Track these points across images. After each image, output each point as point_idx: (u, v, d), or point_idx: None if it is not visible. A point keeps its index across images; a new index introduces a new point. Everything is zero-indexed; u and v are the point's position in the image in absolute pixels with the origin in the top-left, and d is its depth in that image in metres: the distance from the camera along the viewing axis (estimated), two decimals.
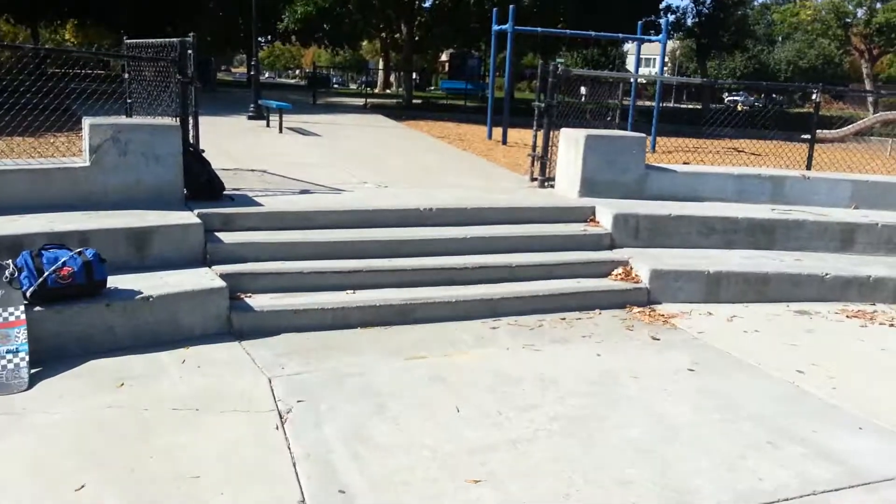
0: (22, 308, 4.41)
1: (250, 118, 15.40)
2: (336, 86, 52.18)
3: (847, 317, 6.20)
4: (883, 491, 3.50)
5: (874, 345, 5.58)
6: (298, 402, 4.09)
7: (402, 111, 22.01)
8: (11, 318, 4.37)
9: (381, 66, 48.50)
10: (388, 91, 41.63)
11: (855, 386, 4.73)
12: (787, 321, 6.03)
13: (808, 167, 9.02)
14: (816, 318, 6.14)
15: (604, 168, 7.71)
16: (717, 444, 3.87)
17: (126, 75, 8.20)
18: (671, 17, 30.78)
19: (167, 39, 7.04)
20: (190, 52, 6.68)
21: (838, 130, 15.63)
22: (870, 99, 27.69)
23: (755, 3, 48.58)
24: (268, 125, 14.14)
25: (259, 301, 5.27)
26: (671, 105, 38.28)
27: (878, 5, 32.58)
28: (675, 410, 4.24)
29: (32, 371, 4.24)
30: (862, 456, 3.81)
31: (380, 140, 13.19)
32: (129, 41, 8.35)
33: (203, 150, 6.98)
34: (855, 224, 7.41)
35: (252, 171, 8.29)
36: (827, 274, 6.60)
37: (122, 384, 4.20)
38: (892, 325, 6.05)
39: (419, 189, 7.75)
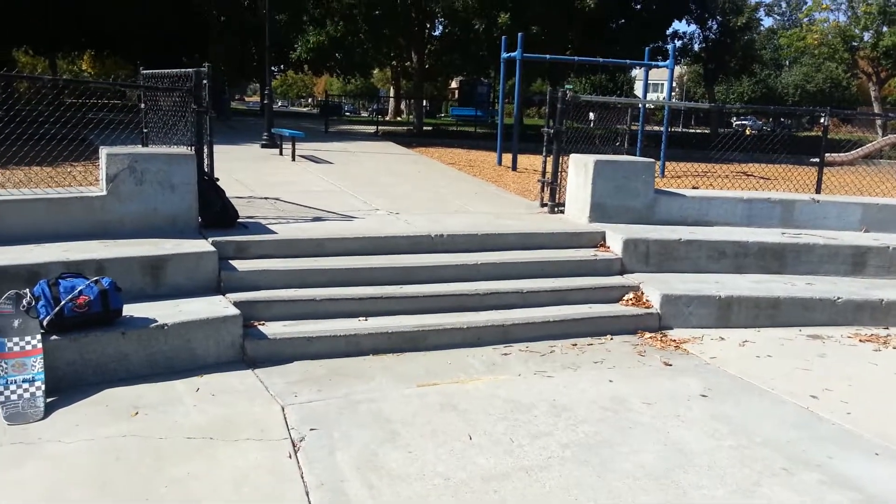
0: (38, 337, 4.46)
1: (263, 146, 15.57)
2: (348, 114, 52.68)
3: (860, 340, 6.17)
4: None
5: (888, 368, 5.54)
6: (311, 430, 4.10)
7: (412, 138, 22.19)
8: (28, 347, 4.42)
9: (391, 93, 49.01)
10: (398, 118, 42.00)
11: (870, 410, 4.70)
12: (799, 345, 6.00)
13: (818, 191, 9.02)
14: (829, 342, 6.11)
15: (613, 193, 7.75)
16: (732, 470, 3.85)
17: (142, 105, 8.34)
18: (678, 43, 30.97)
19: (183, 70, 7.17)
20: (205, 81, 6.80)
21: (847, 154, 15.63)
22: (878, 122, 27.66)
23: (762, 28, 48.82)
24: (281, 153, 14.29)
25: (272, 329, 5.31)
26: (680, 130, 38.40)
27: (885, 29, 32.64)
28: (689, 437, 4.22)
29: (48, 400, 4.28)
30: (879, 482, 3.78)
31: (391, 167, 13.29)
32: (145, 71, 8.51)
33: (217, 179, 7.07)
34: (866, 247, 7.40)
35: (265, 198, 8.37)
36: (839, 298, 6.57)
37: (137, 413, 4.23)
38: None
39: (430, 215, 7.81)
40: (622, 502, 3.49)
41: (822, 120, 9.74)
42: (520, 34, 14.36)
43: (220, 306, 5.24)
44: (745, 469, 3.87)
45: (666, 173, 14.16)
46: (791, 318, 6.45)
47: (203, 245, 5.83)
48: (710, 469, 3.85)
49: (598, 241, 7.26)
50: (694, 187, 9.84)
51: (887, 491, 3.69)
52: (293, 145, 13.48)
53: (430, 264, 6.30)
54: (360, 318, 5.61)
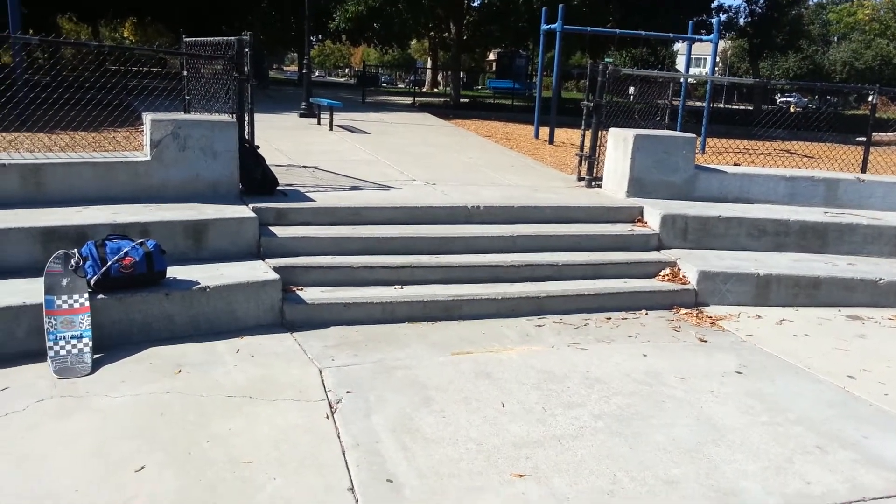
0: (86, 295, 4.61)
1: (301, 115, 15.67)
2: (384, 84, 52.61)
3: None
4: None
5: None
6: (348, 392, 4.20)
7: (449, 110, 22.11)
8: (76, 305, 4.57)
9: (429, 65, 48.72)
10: (435, 90, 41.82)
11: None
12: (838, 326, 5.93)
13: (864, 170, 8.82)
14: (869, 323, 6.02)
15: (652, 168, 7.67)
16: (765, 446, 3.85)
17: (185, 73, 8.45)
18: (723, 17, 30.22)
19: (225, 38, 7.24)
20: (247, 49, 6.86)
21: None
22: None
23: (810, 3, 47.38)
24: (318, 122, 14.37)
25: (310, 294, 5.40)
26: (722, 106, 37.58)
27: None
28: (722, 412, 4.23)
29: (95, 356, 4.44)
30: None
31: (427, 138, 13.29)
32: (187, 39, 8.60)
33: (258, 147, 7.16)
34: None
35: (304, 167, 8.46)
36: (881, 279, 6.46)
37: (180, 371, 4.36)
38: None
39: (466, 187, 7.82)
40: (653, 473, 3.52)
41: (870, 98, 9.48)
42: (560, 6, 14.15)
43: (259, 271, 5.35)
44: (778, 446, 3.86)
45: (707, 149, 13.93)
46: (831, 298, 6.37)
47: (244, 211, 5.93)
48: (742, 444, 3.85)
49: (635, 216, 7.21)
50: (735, 164, 9.68)
51: None
52: (331, 115, 13.54)
53: (466, 235, 6.33)
54: (396, 287, 5.68)
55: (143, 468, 3.32)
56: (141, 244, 4.84)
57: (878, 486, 3.52)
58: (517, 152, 12.22)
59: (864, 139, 9.26)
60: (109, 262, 4.68)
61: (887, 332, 5.87)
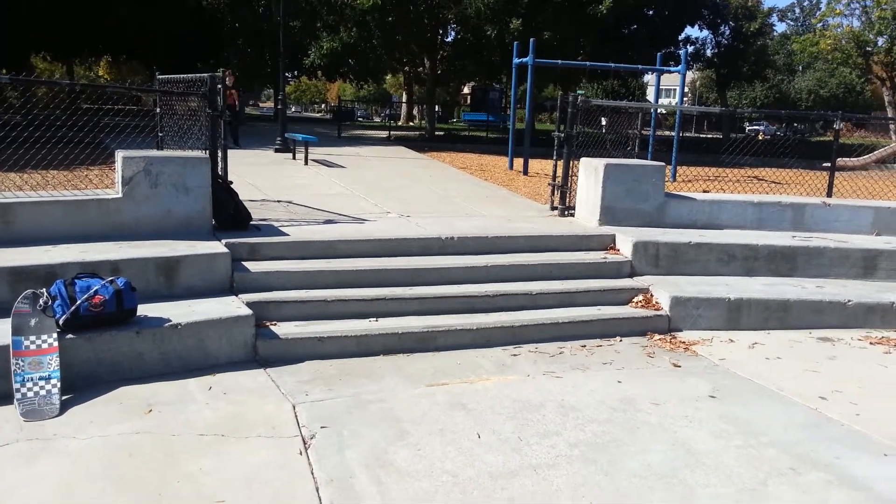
0: (55, 335, 4.54)
1: (277, 151, 15.69)
2: (360, 119, 52.89)
3: (870, 343, 6.15)
4: None
5: None
6: (322, 427, 4.16)
7: (424, 143, 22.26)
8: (44, 346, 4.50)
9: (404, 99, 49.16)
10: (411, 123, 42.13)
11: (879, 412, 4.70)
12: (809, 348, 6.00)
13: (829, 194, 9.00)
14: (839, 344, 6.11)
15: (623, 196, 7.78)
16: (739, 470, 3.87)
17: (158, 109, 8.45)
18: (691, 48, 30.89)
19: (198, 75, 7.27)
20: (219, 86, 6.89)
21: (860, 158, 15.56)
22: (892, 126, 27.48)
23: (774, 34, 48.63)
24: (294, 157, 14.40)
25: (284, 329, 5.37)
26: (692, 135, 38.29)
27: None
28: (697, 437, 4.24)
29: (64, 397, 4.36)
30: (887, 482, 3.78)
31: (403, 171, 13.36)
32: (161, 76, 8.62)
33: (231, 182, 7.15)
34: (877, 251, 7.38)
35: (278, 201, 8.46)
36: (849, 301, 6.56)
37: (151, 410, 4.30)
38: None
39: (441, 218, 7.86)
40: (629, 500, 3.52)
41: (835, 125, 9.73)
42: (532, 39, 14.41)
43: (232, 306, 5.31)
44: (752, 469, 3.88)
45: (678, 177, 14.15)
46: (801, 320, 6.45)
47: (216, 247, 5.91)
48: (717, 468, 3.87)
49: (608, 243, 7.28)
50: (704, 191, 9.84)
51: (892, 490, 3.69)
52: (306, 149, 13.58)
53: (441, 266, 6.35)
54: (371, 319, 5.67)
55: None
56: (111, 282, 4.80)
57: None
58: (491, 183, 12.32)
59: (829, 164, 9.47)
60: (79, 302, 4.63)
61: (857, 352, 5.95)
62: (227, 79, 11.26)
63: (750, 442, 4.20)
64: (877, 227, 8.14)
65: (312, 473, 3.65)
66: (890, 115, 32.32)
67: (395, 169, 13.67)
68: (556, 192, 8.88)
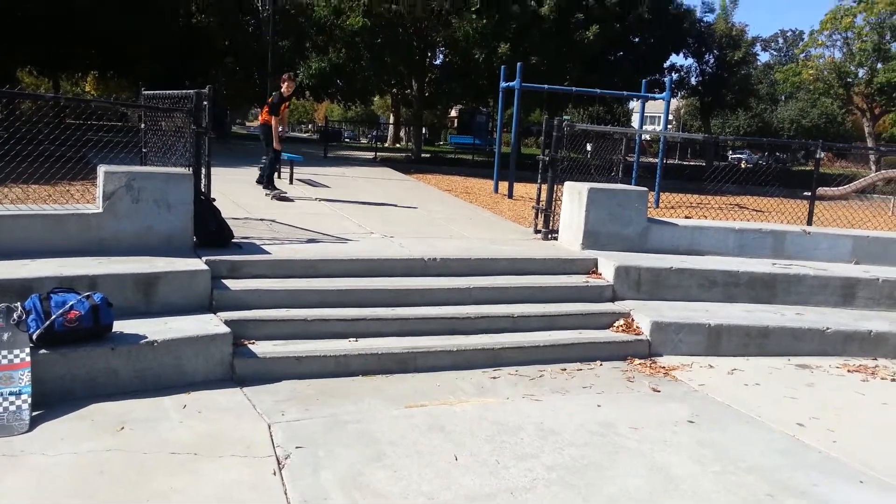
0: (27, 350, 4.47)
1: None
2: (347, 140, 53.04)
3: (848, 371, 6.19)
4: None
5: (875, 399, 5.56)
6: (297, 448, 4.11)
7: (410, 164, 22.33)
8: (17, 361, 4.43)
9: (391, 120, 49.38)
10: (398, 145, 42.30)
11: (856, 439, 4.71)
12: (787, 375, 6.03)
13: (809, 223, 9.11)
14: (817, 372, 6.14)
15: (606, 221, 7.82)
16: (717, 496, 3.86)
17: (142, 125, 8.43)
18: (675, 76, 31.32)
19: (184, 91, 7.27)
20: (205, 103, 6.88)
21: (840, 188, 15.76)
22: (872, 157, 27.95)
23: (758, 63, 49.43)
24: (279, 177, 14.34)
25: (262, 348, 5.32)
26: (675, 162, 38.70)
27: (879, 66, 33.11)
28: (675, 462, 4.23)
29: (35, 413, 4.28)
30: None
31: (388, 192, 13.37)
32: (146, 92, 8.61)
33: (214, 199, 7.13)
34: (856, 279, 7.45)
35: (261, 220, 8.42)
36: (828, 328, 6.61)
37: (123, 427, 4.23)
38: (893, 380, 6.03)
39: (424, 240, 7.85)
40: None
41: (817, 154, 9.87)
42: (519, 64, 14.54)
43: (210, 324, 5.26)
44: (730, 495, 3.87)
45: (661, 203, 14.24)
46: (780, 347, 6.48)
47: (196, 264, 5.86)
48: (694, 494, 3.85)
49: (590, 267, 7.30)
50: (687, 217, 9.92)
51: None
52: (291, 169, 13.56)
53: (423, 287, 6.34)
54: (351, 339, 5.63)
55: None
56: (87, 297, 4.74)
57: None
58: (476, 206, 12.36)
59: (809, 193, 9.59)
60: (53, 316, 4.56)
61: (835, 380, 5.98)
62: (284, 86, 10.87)
63: (728, 468, 4.19)
64: (856, 256, 8.23)
65: (286, 494, 3.60)
66: (870, 145, 32.85)
67: (381, 190, 13.69)
68: (539, 215, 8.91)
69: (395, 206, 11.23)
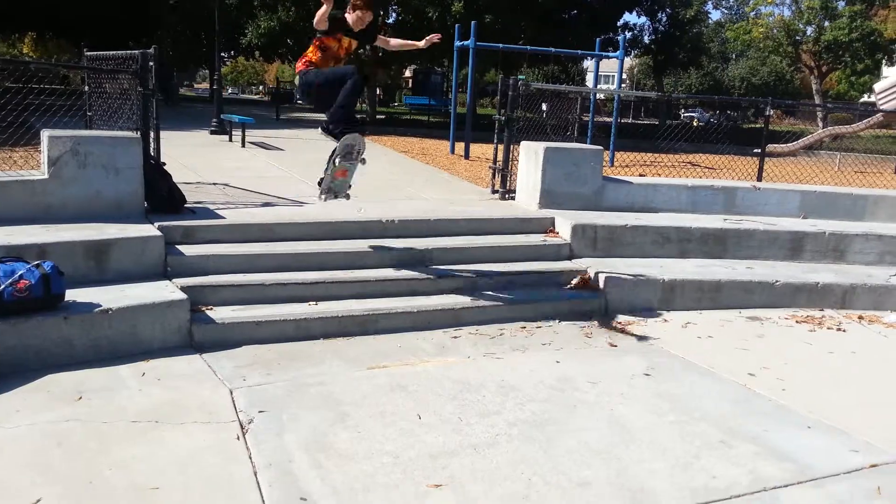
0: None
1: (213, 132, 15.32)
2: (300, 102, 52.02)
3: (797, 322, 6.41)
4: (830, 486, 3.64)
5: (822, 348, 5.78)
6: (260, 412, 4.10)
7: (365, 126, 22.03)
8: None
9: None
10: None
11: (803, 387, 4.90)
12: (739, 327, 6.21)
13: (759, 179, 9.31)
14: (767, 323, 6.34)
15: (563, 180, 7.87)
16: (672, 445, 3.98)
17: (86, 88, 8.13)
18: (628, 35, 31.41)
19: (128, 52, 7.02)
20: (151, 63, 6.67)
21: (789, 145, 16.12)
22: (819, 114, 28.59)
23: (710, 21, 49.81)
24: (230, 139, 14.08)
25: (220, 313, 5.26)
26: (629, 121, 38.98)
27: (826, 24, 33.68)
28: (632, 414, 4.35)
29: None
30: (810, 453, 3.95)
31: None
32: (89, 53, 8.29)
33: (164, 163, 6.95)
34: (803, 233, 7.67)
35: (214, 184, 8.26)
36: (777, 281, 6.81)
37: (81, 397, 4.16)
38: (839, 330, 6.28)
39: (382, 202, 7.81)
40: (566, 476, 3.58)
41: (766, 111, 10.05)
42: (473, 23, 14.38)
43: (166, 291, 5.17)
44: (684, 443, 4.00)
45: (615, 162, 14.39)
46: (732, 300, 6.67)
47: (149, 230, 5.73)
48: (651, 444, 3.97)
49: (547, 226, 7.37)
50: (641, 175, 10.04)
51: (818, 461, 3.87)
52: (243, 131, 13.30)
53: (380, 249, 6.31)
54: (311, 303, 5.61)
55: (38, 501, 3.14)
56: (37, 266, 4.61)
57: (776, 475, 3.69)
58: (433, 167, 12.31)
59: (759, 150, 9.78)
60: (2, 287, 4.43)
61: (784, 331, 6.19)
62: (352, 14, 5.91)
63: (682, 418, 4.33)
64: (804, 210, 8.46)
65: (251, 458, 3.60)
66: (817, 102, 33.56)
67: None
68: (496, 175, 8.92)
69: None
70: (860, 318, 6.65)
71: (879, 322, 6.56)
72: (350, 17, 5.90)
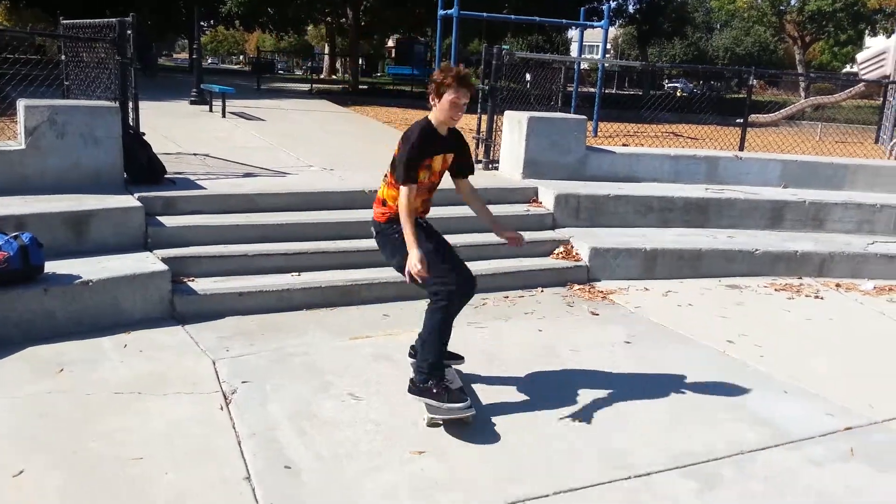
0: None
1: (192, 102, 15.11)
2: (281, 71, 51.41)
3: (775, 290, 6.49)
4: (805, 448, 3.73)
5: (800, 315, 5.87)
6: (243, 382, 4.11)
7: (347, 96, 21.86)
8: None
9: (326, 51, 47.96)
10: (333, 77, 41.22)
11: (781, 353, 4.98)
12: (719, 295, 6.28)
13: (741, 148, 9.35)
14: (747, 291, 6.42)
15: (546, 150, 7.86)
16: (652, 411, 4.04)
17: (63, 56, 7.97)
18: (613, 4, 31.22)
19: (106, 20, 6.89)
20: (129, 31, 6.55)
21: (771, 115, 16.17)
22: (802, 84, 28.67)
23: None
24: (210, 110, 13.90)
25: (202, 285, 5.24)
26: (613, 91, 38.91)
27: None
28: (613, 381, 4.40)
29: None
30: (787, 418, 4.04)
31: (325, 125, 13.11)
32: (65, 22, 8.12)
33: (143, 133, 6.87)
34: (784, 202, 7.73)
35: (194, 154, 8.17)
36: (757, 250, 6.88)
37: (63, 370, 4.15)
38: (817, 297, 6.37)
39: (365, 171, 7.76)
40: (550, 444, 3.63)
41: (749, 81, 10.06)
42: None
43: (147, 262, 5.14)
44: (664, 409, 4.06)
45: (599, 133, 14.37)
46: (712, 269, 6.73)
47: (129, 200, 5.68)
48: (632, 410, 4.02)
49: (530, 196, 7.37)
50: (624, 145, 10.04)
51: (794, 425, 3.95)
52: (223, 102, 13.13)
53: (365, 219, 6.28)
54: (293, 274, 5.60)
55: (21, 472, 3.14)
56: (15, 237, 4.56)
57: (752, 440, 3.77)
58: None
59: (742, 120, 9.81)
60: None
61: (763, 298, 6.27)
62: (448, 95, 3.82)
63: (663, 384, 4.38)
64: (784, 180, 8.52)
65: (234, 427, 3.61)
66: (800, 72, 33.62)
67: (318, 122, 13.40)
68: (480, 145, 8.89)
69: (334, 138, 11.04)
70: (838, 285, 6.74)
71: (856, 290, 6.66)
72: (441, 112, 3.81)
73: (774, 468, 3.54)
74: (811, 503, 3.27)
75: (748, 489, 3.34)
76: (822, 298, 6.37)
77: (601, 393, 4.22)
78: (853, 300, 6.40)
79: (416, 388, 3.82)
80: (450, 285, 3.82)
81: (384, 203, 4.02)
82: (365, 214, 6.30)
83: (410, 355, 4.20)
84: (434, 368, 3.80)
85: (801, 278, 6.85)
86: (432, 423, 3.70)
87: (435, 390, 3.74)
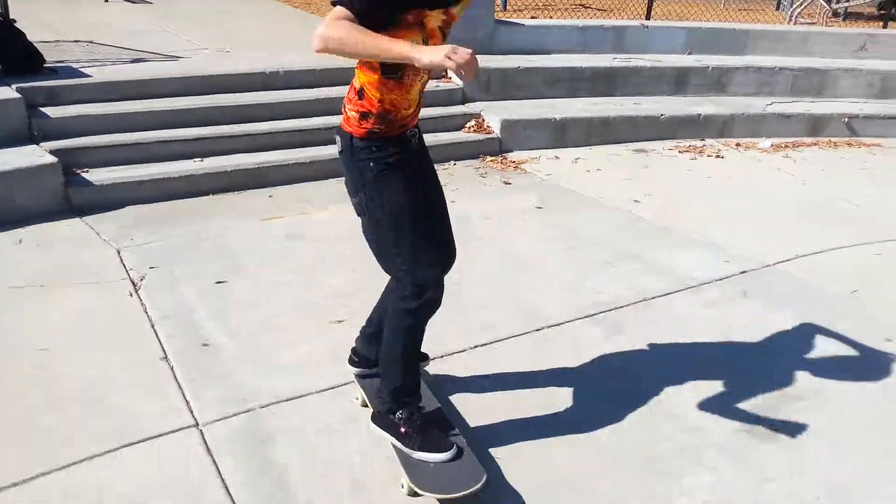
0: None
1: None
2: None
3: (679, 152, 6.69)
4: (704, 293, 3.97)
5: (701, 174, 6.10)
6: (151, 268, 4.00)
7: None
8: None
9: None
10: None
11: (683, 210, 5.20)
12: (626, 159, 6.43)
13: (648, 17, 9.33)
14: (653, 154, 6.59)
15: (455, 24, 7.62)
16: (563, 267, 4.19)
17: None
18: None
19: None
20: None
21: None
22: None
23: None
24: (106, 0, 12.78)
25: (98, 175, 4.98)
26: None
27: None
28: (525, 245, 4.51)
29: None
30: (684, 265, 4.27)
31: (222, 7, 12.28)
32: None
33: (14, 21, 6.26)
34: (688, 68, 7.85)
35: (76, 41, 7.55)
36: (662, 115, 7.02)
37: None
38: (718, 157, 6.61)
39: (266, 53, 7.38)
40: (468, 305, 3.72)
41: None
42: None
43: (34, 156, 4.82)
44: (574, 268, 4.21)
45: (508, 7, 14.03)
46: (620, 135, 6.85)
47: (6, 92, 5.24)
48: (543, 270, 4.16)
49: (440, 73, 7.21)
50: (533, 17, 9.87)
51: (693, 272, 4.19)
52: None
53: (268, 101, 6.04)
54: (196, 160, 5.37)
55: None
56: None
57: (655, 287, 3.97)
58: (322, 17, 11.67)
59: None
60: None
61: (668, 160, 6.46)
62: None
63: (572, 244, 4.53)
64: (689, 47, 8.60)
65: (146, 312, 3.54)
66: None
67: (213, 5, 12.55)
68: None
69: (232, 21, 10.38)
70: (738, 145, 7.00)
71: (755, 148, 6.94)
72: None
73: (676, 311, 3.76)
74: (709, 339, 3.51)
75: (653, 332, 3.55)
76: (722, 157, 6.61)
77: (514, 257, 4.32)
78: (752, 157, 6.68)
79: (378, 420, 2.60)
80: (427, 273, 2.51)
81: (360, 94, 2.27)
82: (267, 97, 6.09)
83: (351, 362, 2.95)
84: (400, 395, 2.55)
85: (703, 140, 7.07)
86: (412, 493, 2.39)
87: (403, 429, 2.51)
